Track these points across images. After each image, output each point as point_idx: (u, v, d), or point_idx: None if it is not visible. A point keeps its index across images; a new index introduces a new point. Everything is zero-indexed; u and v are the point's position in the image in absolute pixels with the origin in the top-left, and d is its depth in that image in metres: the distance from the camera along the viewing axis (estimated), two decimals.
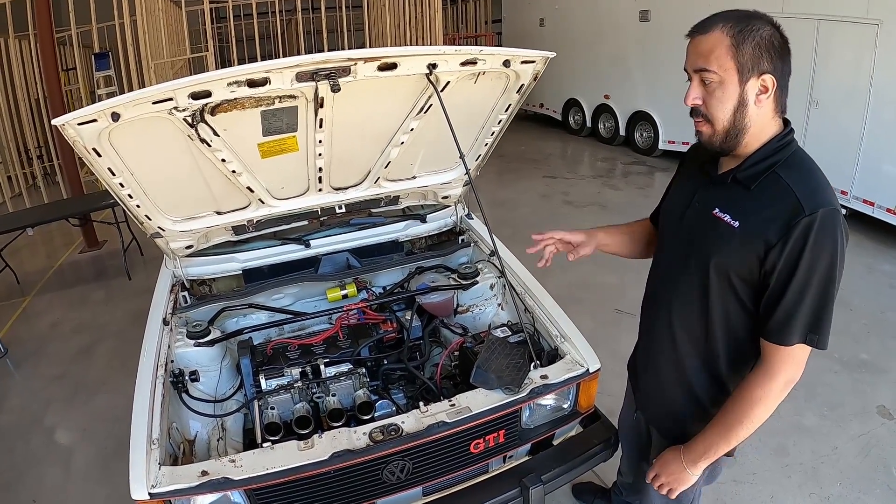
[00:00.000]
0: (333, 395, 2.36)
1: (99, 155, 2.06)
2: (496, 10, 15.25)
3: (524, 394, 2.13)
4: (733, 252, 1.54)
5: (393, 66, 2.12)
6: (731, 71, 1.44)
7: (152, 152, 2.21)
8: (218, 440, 2.36)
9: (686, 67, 1.52)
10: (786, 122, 1.56)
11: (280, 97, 2.12)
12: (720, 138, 1.52)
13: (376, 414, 2.29)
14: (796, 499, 2.98)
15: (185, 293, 2.85)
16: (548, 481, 2.22)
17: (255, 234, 2.95)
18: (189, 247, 2.82)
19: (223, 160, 2.32)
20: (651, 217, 2.08)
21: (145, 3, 8.04)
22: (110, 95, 9.10)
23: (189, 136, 2.14)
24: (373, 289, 3.10)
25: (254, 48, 10.47)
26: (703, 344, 1.71)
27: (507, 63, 2.35)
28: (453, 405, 2.08)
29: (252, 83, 1.97)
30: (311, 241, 3.03)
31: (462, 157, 2.39)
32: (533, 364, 2.26)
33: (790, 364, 1.53)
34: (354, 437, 1.97)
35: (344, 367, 2.49)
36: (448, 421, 2.01)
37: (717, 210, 1.59)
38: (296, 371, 2.45)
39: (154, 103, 1.93)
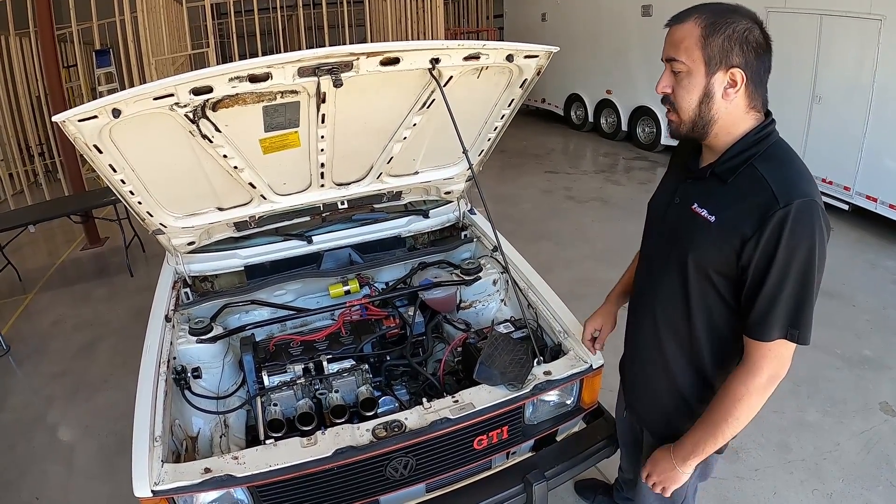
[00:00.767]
0: (336, 392, 2.36)
1: (100, 151, 2.06)
2: (497, 6, 15.23)
3: (527, 390, 2.12)
4: (710, 247, 1.53)
5: (395, 61, 2.11)
6: (699, 62, 1.44)
7: (154, 148, 2.20)
8: (221, 437, 2.36)
9: (662, 56, 1.53)
10: (767, 115, 1.55)
11: (282, 92, 2.10)
12: (686, 128, 1.54)
13: (379, 410, 2.29)
14: (799, 495, 2.98)
15: (188, 290, 2.84)
16: (551, 477, 2.23)
17: (257, 231, 2.94)
18: (191, 243, 2.81)
19: (225, 156, 2.31)
20: None
21: None
22: (111, 92, 9.05)
23: (190, 132, 2.13)
24: (375, 285, 3.10)
25: (255, 44, 10.44)
26: (686, 341, 1.71)
27: (510, 58, 2.34)
28: (456, 401, 2.08)
29: (254, 78, 1.96)
30: (313, 237, 3.03)
31: (465, 152, 2.38)
32: (536, 360, 2.26)
33: (772, 360, 1.51)
34: (357, 434, 1.96)
35: (347, 364, 2.49)
36: (451, 417, 2.01)
37: (695, 205, 1.59)
38: (298, 367, 2.46)
39: (155, 99, 1.92)
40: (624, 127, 10.07)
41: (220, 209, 2.71)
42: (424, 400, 2.11)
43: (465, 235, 3.27)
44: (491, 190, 7.45)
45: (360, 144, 2.62)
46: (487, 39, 12.64)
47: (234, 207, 2.74)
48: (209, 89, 1.95)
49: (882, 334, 4.31)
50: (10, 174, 9.18)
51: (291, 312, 2.87)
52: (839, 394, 3.68)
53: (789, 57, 6.32)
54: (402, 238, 3.25)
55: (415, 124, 2.55)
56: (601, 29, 9.99)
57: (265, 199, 2.71)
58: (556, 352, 2.39)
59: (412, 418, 2.02)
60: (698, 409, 1.72)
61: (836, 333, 4.22)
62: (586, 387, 2.31)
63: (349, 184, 2.87)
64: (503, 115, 2.72)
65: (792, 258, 1.42)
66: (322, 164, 2.60)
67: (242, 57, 10.48)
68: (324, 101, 2.19)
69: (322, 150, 2.49)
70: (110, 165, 2.14)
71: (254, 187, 2.59)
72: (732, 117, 1.50)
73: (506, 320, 2.67)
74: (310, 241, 3.02)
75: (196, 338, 2.54)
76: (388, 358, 2.67)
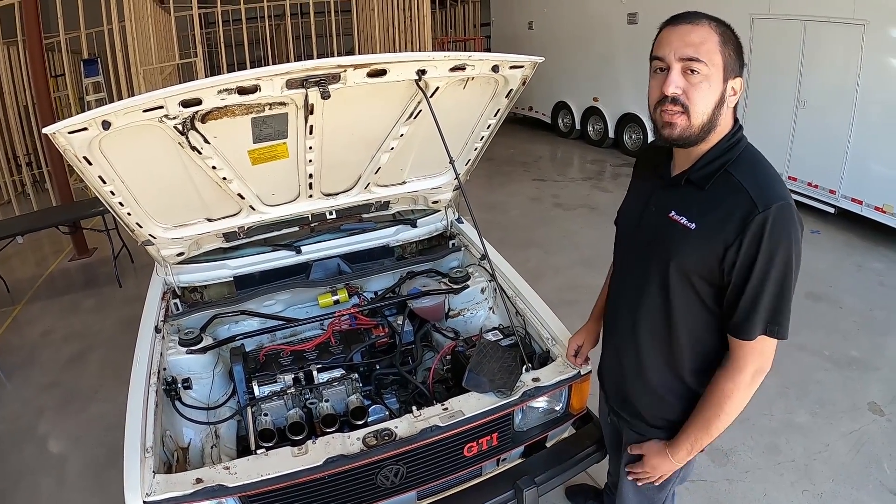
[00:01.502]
0: (326, 401, 2.36)
1: (90, 163, 2.07)
2: (485, 14, 15.30)
3: (516, 397, 2.14)
4: (692, 253, 1.56)
5: (382, 73, 2.13)
6: (719, 67, 1.45)
7: (143, 160, 2.21)
8: (212, 447, 2.36)
9: (662, 55, 1.48)
10: (734, 121, 1.58)
11: (270, 104, 2.12)
12: (694, 131, 1.49)
13: (369, 419, 2.29)
14: (789, 496, 3.00)
15: (177, 300, 2.85)
16: (541, 483, 2.24)
17: (246, 241, 2.95)
18: (180, 254, 2.81)
19: (214, 167, 2.33)
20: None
21: (134, 8, 8.00)
22: (99, 101, 9.07)
23: (180, 143, 2.14)
24: (364, 294, 3.11)
25: (243, 53, 10.46)
26: (666, 345, 1.73)
27: (495, 68, 2.37)
28: (446, 409, 2.09)
29: (242, 90, 1.98)
30: (302, 247, 3.04)
31: (452, 161, 2.41)
32: (525, 367, 2.27)
33: (756, 356, 1.56)
34: (348, 443, 1.97)
35: (336, 373, 2.49)
36: (441, 425, 2.02)
37: (673, 213, 1.61)
38: (288, 377, 2.46)
39: (145, 111, 1.94)
40: (611, 134, 10.12)
41: (210, 220, 2.72)
42: (414, 408, 2.12)
43: (453, 244, 3.29)
44: (479, 198, 7.48)
45: (348, 155, 2.64)
46: (475, 48, 12.70)
47: (224, 218, 2.74)
48: (198, 101, 1.96)
49: (869, 335, 4.35)
50: None
51: (281, 322, 2.87)
52: (828, 395, 3.72)
53: (774, 62, 6.40)
54: (390, 247, 3.26)
55: (402, 135, 2.57)
56: (588, 37, 10.06)
57: (254, 209, 2.72)
58: (545, 359, 2.41)
59: (402, 426, 2.03)
60: (677, 410, 1.77)
61: (823, 335, 4.27)
62: (575, 393, 2.32)
63: (337, 194, 2.89)
64: (489, 125, 2.74)
65: (772, 260, 1.45)
66: (310, 175, 2.62)
67: (231, 66, 10.54)
68: (312, 113, 2.21)
69: (310, 160, 2.50)
70: (100, 177, 2.15)
71: (242, 198, 2.60)
72: (724, 124, 1.54)
73: (494, 328, 2.69)
74: (298, 252, 3.03)
75: (186, 348, 2.54)
76: (378, 367, 2.68)
